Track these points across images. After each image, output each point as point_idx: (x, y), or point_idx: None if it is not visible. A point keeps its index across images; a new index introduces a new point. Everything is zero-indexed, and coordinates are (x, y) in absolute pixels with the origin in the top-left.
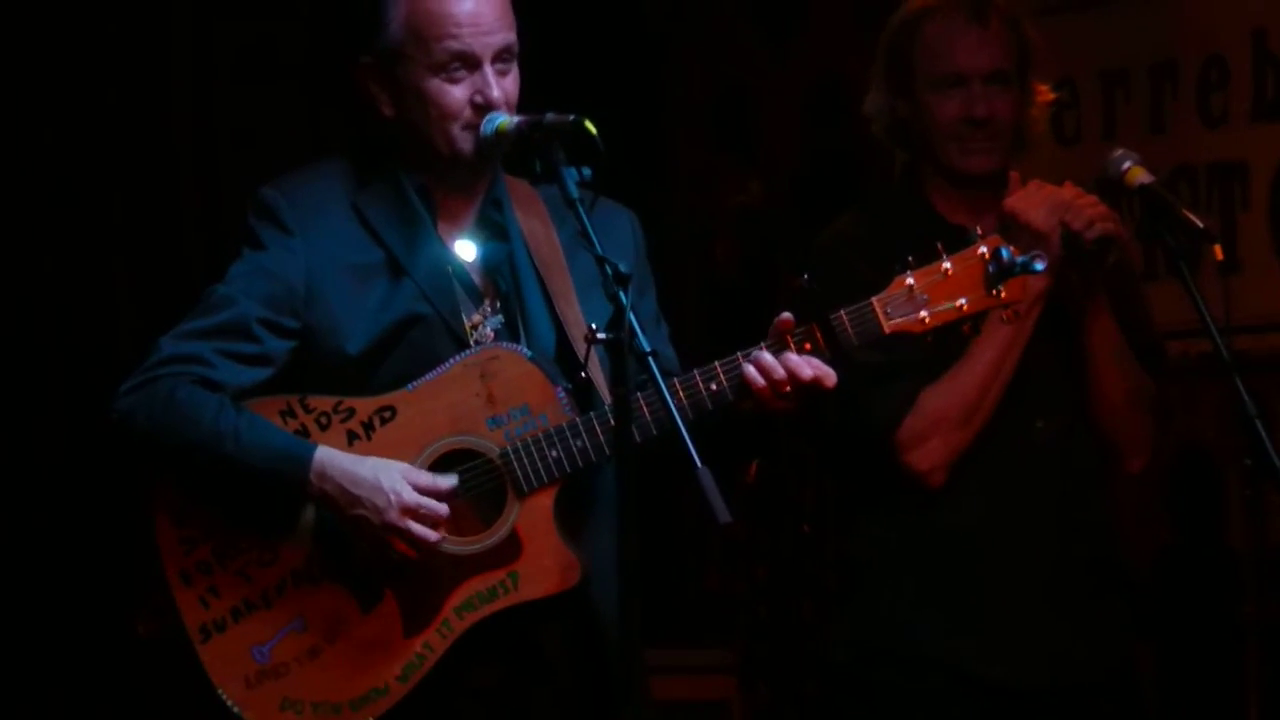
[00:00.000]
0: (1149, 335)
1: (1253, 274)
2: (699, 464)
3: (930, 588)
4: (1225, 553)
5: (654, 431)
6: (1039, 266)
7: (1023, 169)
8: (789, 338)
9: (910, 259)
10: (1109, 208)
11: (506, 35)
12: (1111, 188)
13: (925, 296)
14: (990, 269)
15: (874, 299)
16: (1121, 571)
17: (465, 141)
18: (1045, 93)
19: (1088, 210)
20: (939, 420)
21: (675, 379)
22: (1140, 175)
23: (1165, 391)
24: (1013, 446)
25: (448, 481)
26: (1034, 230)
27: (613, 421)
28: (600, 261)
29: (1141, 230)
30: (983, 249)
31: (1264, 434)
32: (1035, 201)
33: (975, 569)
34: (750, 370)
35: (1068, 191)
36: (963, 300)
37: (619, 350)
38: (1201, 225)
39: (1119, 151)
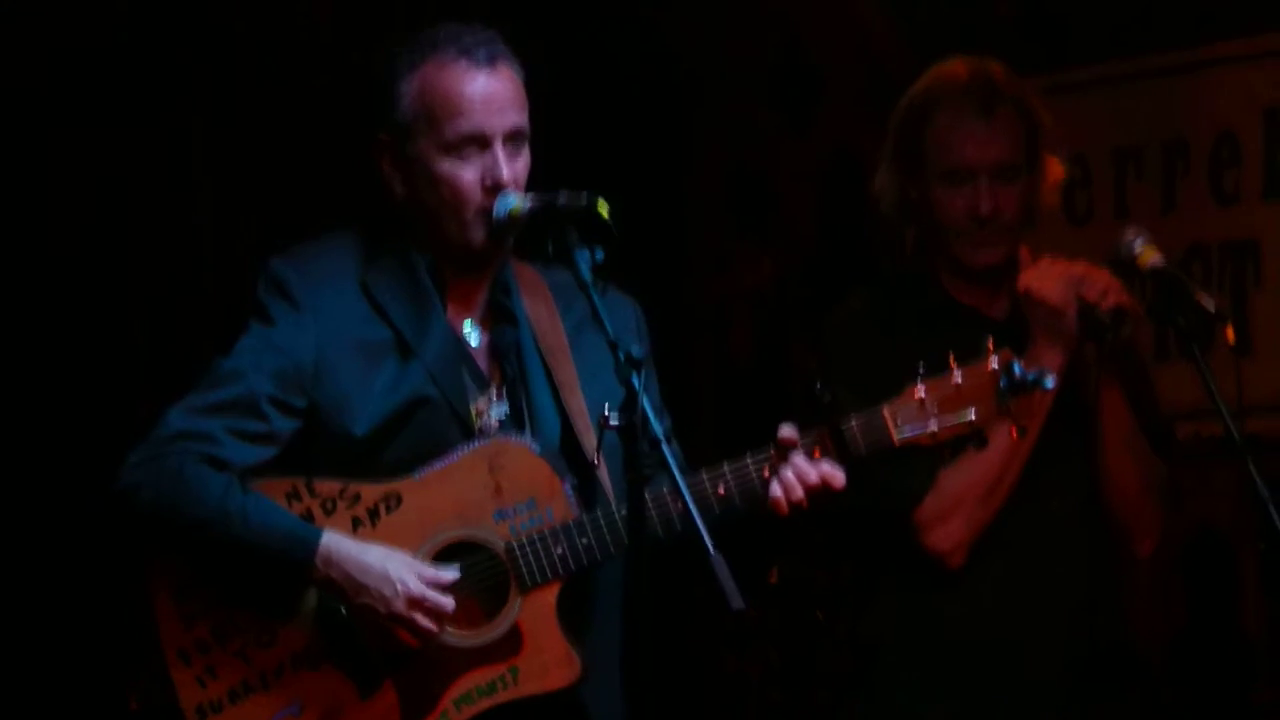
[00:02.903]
0: (1158, 418)
1: (1265, 355)
2: (712, 550)
3: (943, 673)
4: (1239, 635)
5: (660, 533)
6: (1049, 384)
7: (1033, 247)
8: (798, 445)
9: (921, 368)
10: (1121, 280)
11: (518, 117)
12: (1123, 268)
13: (936, 408)
14: (1001, 383)
15: (884, 407)
16: (1134, 655)
17: (477, 229)
18: (1057, 168)
19: (1101, 283)
20: (960, 499)
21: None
22: (1152, 256)
23: (1176, 475)
24: (1028, 529)
25: (450, 575)
26: (1049, 306)
27: (619, 520)
28: (612, 346)
29: (1153, 311)
30: (994, 363)
31: (1277, 517)
32: (1049, 277)
33: (989, 654)
34: (759, 473)
35: (1080, 266)
36: (972, 413)
37: (631, 435)
38: (1213, 308)
39: (1131, 231)
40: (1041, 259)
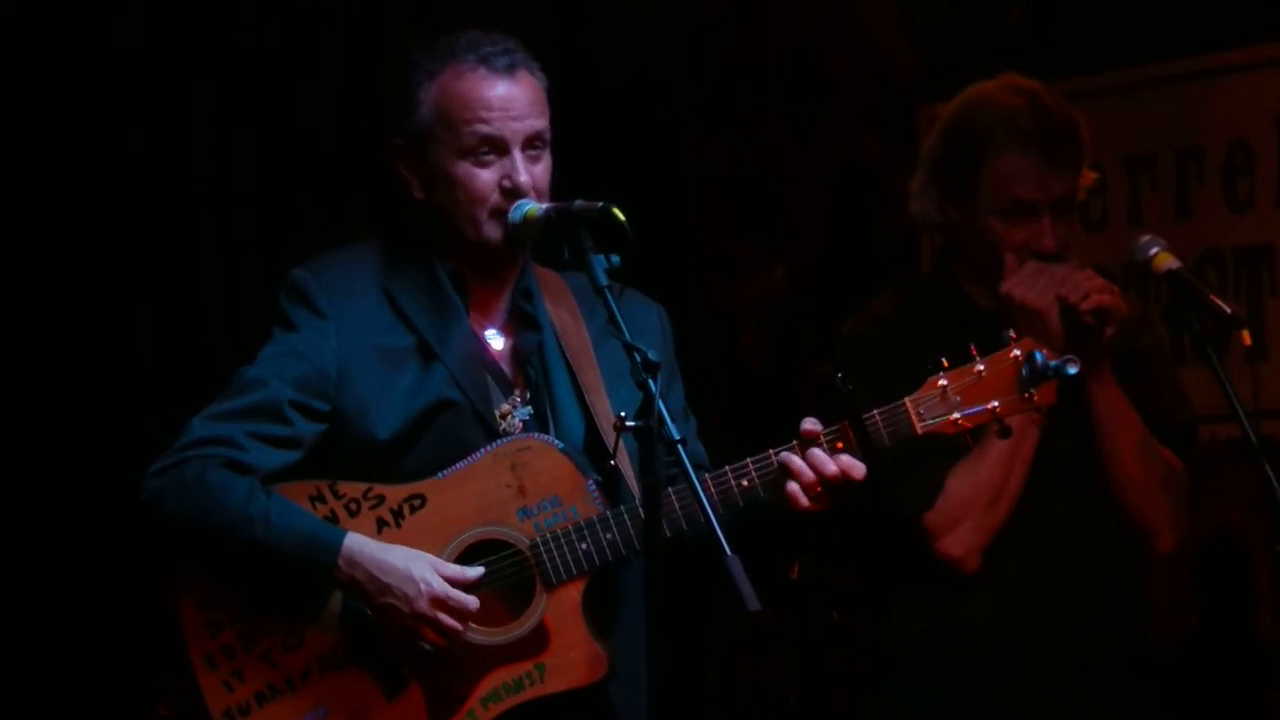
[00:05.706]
0: (1179, 415)
1: None
2: (728, 551)
3: (960, 677)
4: (1252, 638)
5: (684, 526)
6: (1072, 370)
7: None
8: (821, 437)
9: (944, 360)
10: (1106, 280)
11: (537, 122)
12: (1138, 273)
13: (958, 398)
14: (1024, 372)
15: (907, 399)
16: (1150, 657)
17: (493, 228)
18: (1088, 175)
19: (1083, 283)
20: (967, 503)
21: (707, 475)
22: (1167, 261)
23: (1195, 472)
24: (1046, 532)
25: (474, 572)
26: (1031, 308)
27: (642, 512)
28: (629, 349)
29: (1169, 315)
30: (1016, 352)
31: None
32: (1031, 281)
33: (1007, 657)
34: (780, 468)
35: (1062, 268)
36: (995, 403)
37: (648, 438)
38: (1229, 310)
39: (1146, 237)
40: (1027, 264)
